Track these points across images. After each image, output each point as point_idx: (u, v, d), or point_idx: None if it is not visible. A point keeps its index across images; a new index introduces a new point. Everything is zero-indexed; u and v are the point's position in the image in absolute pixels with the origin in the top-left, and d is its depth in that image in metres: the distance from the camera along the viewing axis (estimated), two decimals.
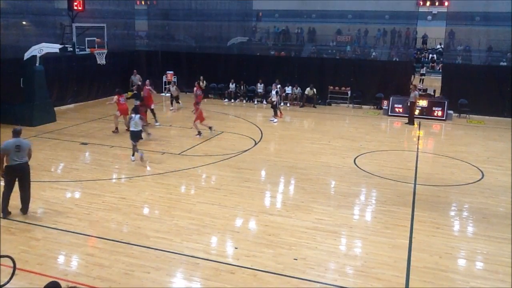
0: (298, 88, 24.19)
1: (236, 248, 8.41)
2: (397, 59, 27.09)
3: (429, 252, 8.35)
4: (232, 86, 25.24)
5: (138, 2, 30.02)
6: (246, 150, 15.06)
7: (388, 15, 28.69)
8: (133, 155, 13.46)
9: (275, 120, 19.84)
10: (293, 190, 11.86)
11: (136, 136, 13.41)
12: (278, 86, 21.80)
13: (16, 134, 9.34)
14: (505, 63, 24.38)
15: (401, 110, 22.04)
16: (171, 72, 26.09)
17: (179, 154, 14.47)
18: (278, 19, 31.83)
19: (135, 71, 23.39)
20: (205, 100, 25.02)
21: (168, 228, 9.12)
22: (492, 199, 11.24)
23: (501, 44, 24.34)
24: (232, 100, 25.19)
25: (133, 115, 13.53)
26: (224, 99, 25.36)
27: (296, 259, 7.97)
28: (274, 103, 19.98)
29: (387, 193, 11.44)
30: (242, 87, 25.41)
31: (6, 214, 9.37)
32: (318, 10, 29.70)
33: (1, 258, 6.45)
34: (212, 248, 8.46)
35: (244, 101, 25.31)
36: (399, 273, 7.58)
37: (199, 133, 16.47)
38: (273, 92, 20.15)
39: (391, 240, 8.82)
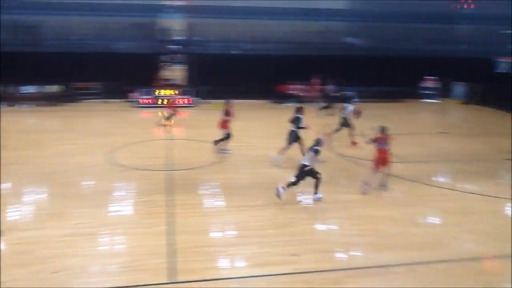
0: None
1: None
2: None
3: (190, 232, 8.75)
4: None
5: None
6: None
7: None
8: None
9: None
10: (49, 199, 10.78)
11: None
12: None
13: None
14: (239, 52, 26.85)
15: (150, 101, 22.93)
16: None
17: None
18: None
19: None
20: None
21: None
22: (237, 174, 12.58)
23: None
24: None
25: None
26: None
27: (57, 272, 7.27)
28: None
29: (143, 184, 11.48)
30: None
31: None
32: None
33: None
34: None
35: None
36: (163, 259, 7.71)
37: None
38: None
39: (151, 229, 8.89)
